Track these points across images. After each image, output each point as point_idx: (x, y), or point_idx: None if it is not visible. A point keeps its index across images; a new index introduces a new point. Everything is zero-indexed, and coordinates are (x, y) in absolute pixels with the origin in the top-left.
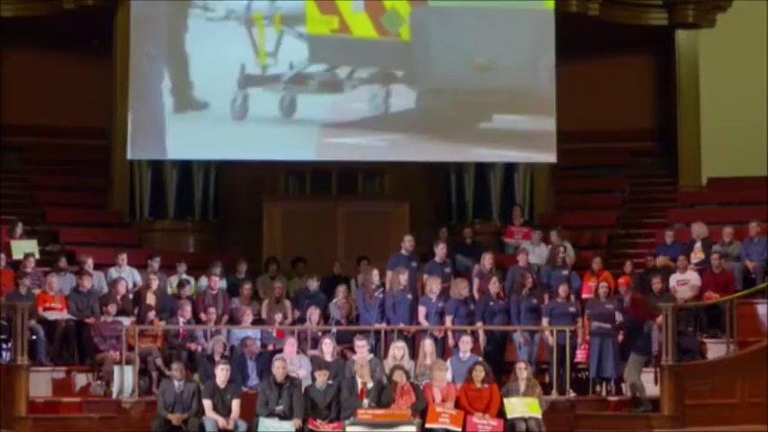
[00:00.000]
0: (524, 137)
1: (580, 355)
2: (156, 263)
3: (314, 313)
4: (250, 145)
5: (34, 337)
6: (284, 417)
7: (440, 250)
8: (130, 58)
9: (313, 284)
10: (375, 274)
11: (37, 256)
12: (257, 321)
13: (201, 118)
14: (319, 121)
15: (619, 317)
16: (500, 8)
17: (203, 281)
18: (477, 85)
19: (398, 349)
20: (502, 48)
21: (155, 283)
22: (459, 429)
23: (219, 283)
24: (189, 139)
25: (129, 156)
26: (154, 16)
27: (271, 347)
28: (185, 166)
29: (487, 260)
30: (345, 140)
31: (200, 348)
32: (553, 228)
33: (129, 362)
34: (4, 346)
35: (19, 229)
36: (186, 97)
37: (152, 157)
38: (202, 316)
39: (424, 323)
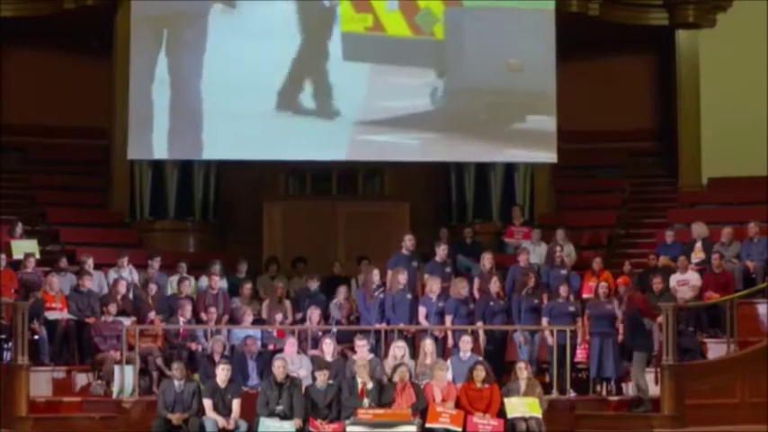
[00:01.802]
0: (524, 137)
1: (580, 355)
2: (156, 263)
3: (314, 313)
4: (286, 143)
5: (36, 337)
6: (284, 417)
7: (441, 251)
8: (168, 53)
9: (314, 285)
10: (376, 273)
11: (37, 255)
12: (257, 321)
13: (235, 118)
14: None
15: (619, 314)
16: (517, 8)
17: (203, 281)
18: (480, 83)
19: (399, 349)
20: (503, 46)
21: (154, 284)
22: (460, 429)
23: (220, 283)
24: (224, 138)
25: (167, 156)
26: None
27: (271, 347)
28: (185, 166)
29: (487, 260)
30: (377, 138)
31: (200, 348)
32: (557, 227)
33: (129, 362)
34: (5, 345)
35: (19, 228)
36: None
37: (186, 157)
38: (203, 316)
39: (425, 323)
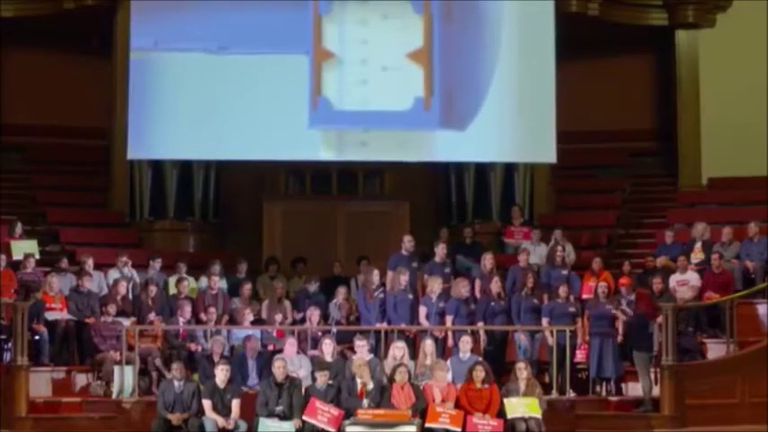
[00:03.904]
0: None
1: (580, 355)
2: (157, 264)
3: (314, 313)
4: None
5: (37, 338)
6: (284, 417)
7: (440, 250)
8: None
9: (312, 287)
10: (375, 274)
11: (37, 256)
12: (257, 321)
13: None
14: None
15: (619, 314)
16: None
17: (203, 281)
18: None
19: (399, 349)
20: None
21: (154, 284)
22: (459, 429)
23: (219, 283)
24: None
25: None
26: None
27: (271, 347)
28: (185, 166)
29: (488, 260)
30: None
31: (200, 348)
32: (555, 227)
33: (129, 362)
34: (5, 346)
35: (18, 228)
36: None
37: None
38: (202, 316)
39: (425, 323)
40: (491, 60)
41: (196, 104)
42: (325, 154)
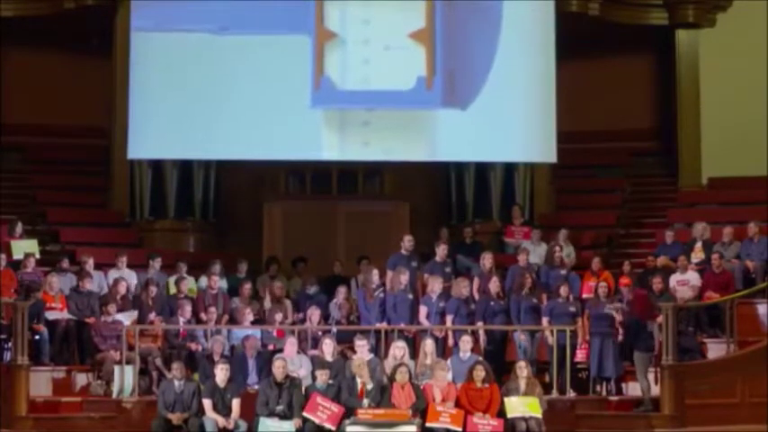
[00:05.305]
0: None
1: (580, 355)
2: (157, 263)
3: (314, 313)
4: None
5: (37, 338)
6: (284, 416)
7: (441, 250)
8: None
9: (312, 290)
10: (375, 273)
11: (37, 255)
12: (258, 321)
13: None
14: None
15: (619, 317)
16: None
17: (203, 281)
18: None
19: (399, 349)
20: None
21: (154, 284)
22: (460, 429)
23: (219, 283)
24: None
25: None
26: None
27: (271, 347)
28: (185, 166)
29: (487, 260)
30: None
31: (200, 348)
32: (557, 227)
33: (129, 362)
34: (5, 345)
35: (19, 228)
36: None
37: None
38: (202, 316)
39: (425, 323)
40: (492, 47)
41: (197, 86)
42: (328, 134)
